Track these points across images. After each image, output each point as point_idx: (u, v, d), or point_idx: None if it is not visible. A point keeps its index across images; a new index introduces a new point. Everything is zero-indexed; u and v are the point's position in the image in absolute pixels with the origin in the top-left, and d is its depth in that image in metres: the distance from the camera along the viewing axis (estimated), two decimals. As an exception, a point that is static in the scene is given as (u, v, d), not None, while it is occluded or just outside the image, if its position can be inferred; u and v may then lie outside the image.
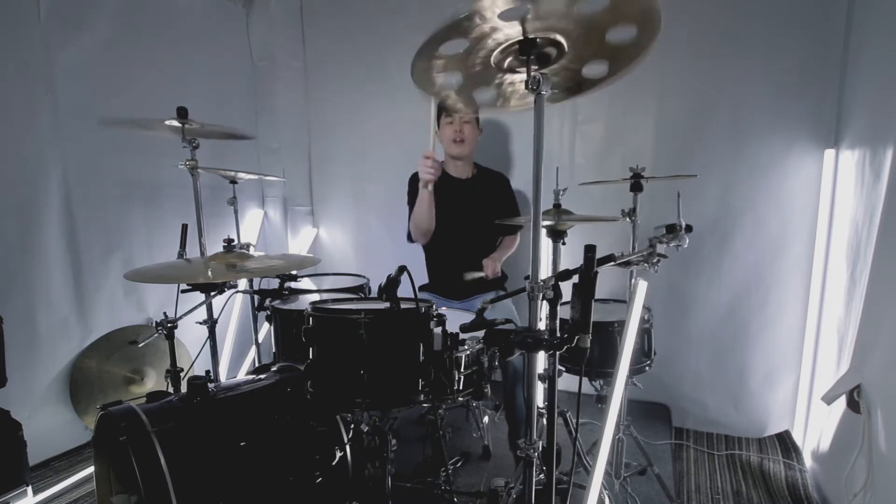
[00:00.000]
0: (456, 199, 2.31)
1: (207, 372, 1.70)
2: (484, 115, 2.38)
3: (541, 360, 1.11)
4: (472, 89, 1.11)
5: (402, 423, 2.37)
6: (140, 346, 2.27)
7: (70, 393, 2.24)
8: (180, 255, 1.90)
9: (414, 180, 2.43)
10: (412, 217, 2.24)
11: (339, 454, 1.45)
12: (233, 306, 2.83)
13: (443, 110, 2.21)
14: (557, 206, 1.65)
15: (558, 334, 1.00)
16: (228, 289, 1.83)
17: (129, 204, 2.46)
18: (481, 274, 2.17)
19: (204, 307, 1.87)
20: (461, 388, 1.30)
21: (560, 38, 0.91)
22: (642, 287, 1.57)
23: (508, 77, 1.05)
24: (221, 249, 1.58)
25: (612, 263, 1.11)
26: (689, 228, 1.31)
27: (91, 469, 1.87)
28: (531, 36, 0.90)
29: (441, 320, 1.26)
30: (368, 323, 1.22)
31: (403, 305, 1.22)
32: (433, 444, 1.93)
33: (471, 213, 2.30)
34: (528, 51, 0.93)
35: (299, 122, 3.15)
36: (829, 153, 2.10)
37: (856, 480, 1.51)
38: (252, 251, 1.68)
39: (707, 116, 2.30)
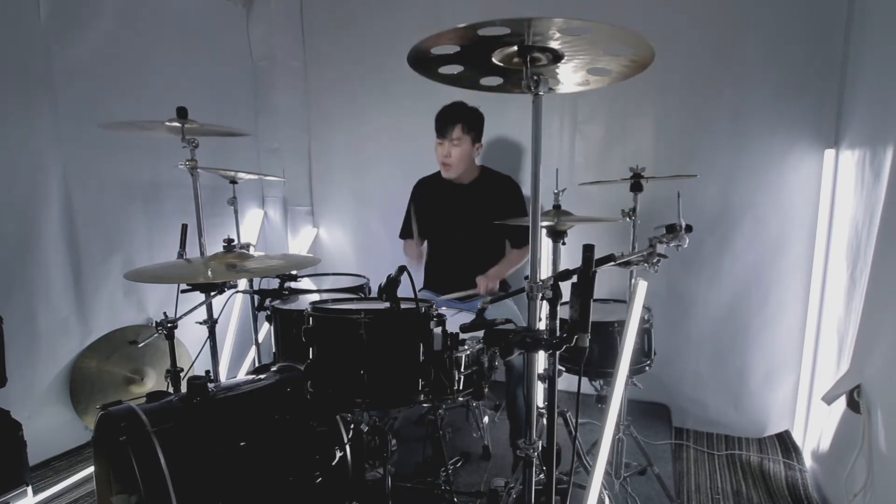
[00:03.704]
0: (454, 203, 2.31)
1: (207, 372, 1.70)
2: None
3: (541, 360, 1.11)
4: (476, 78, 1.11)
5: (402, 423, 2.36)
6: (140, 346, 2.26)
7: (70, 393, 2.24)
8: (180, 255, 1.90)
9: (415, 188, 2.48)
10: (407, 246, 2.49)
11: (339, 454, 1.45)
12: (233, 306, 2.83)
13: (435, 128, 2.21)
14: (557, 206, 1.65)
15: (558, 334, 1.00)
16: (228, 289, 1.83)
17: (129, 204, 2.46)
18: (473, 291, 2.13)
19: (204, 307, 1.87)
20: (461, 388, 1.30)
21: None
22: (642, 287, 1.57)
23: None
24: (221, 249, 1.57)
25: (612, 263, 1.11)
26: (689, 228, 1.31)
27: (91, 469, 1.87)
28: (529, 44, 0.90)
29: (441, 320, 1.27)
30: (368, 323, 1.22)
31: (403, 305, 1.22)
32: (433, 444, 1.93)
33: (469, 216, 2.28)
34: (525, 53, 0.93)
35: (299, 121, 3.15)
36: (829, 153, 2.10)
37: (856, 480, 1.51)
38: (252, 251, 1.68)
39: (707, 116, 2.30)
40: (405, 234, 2.50)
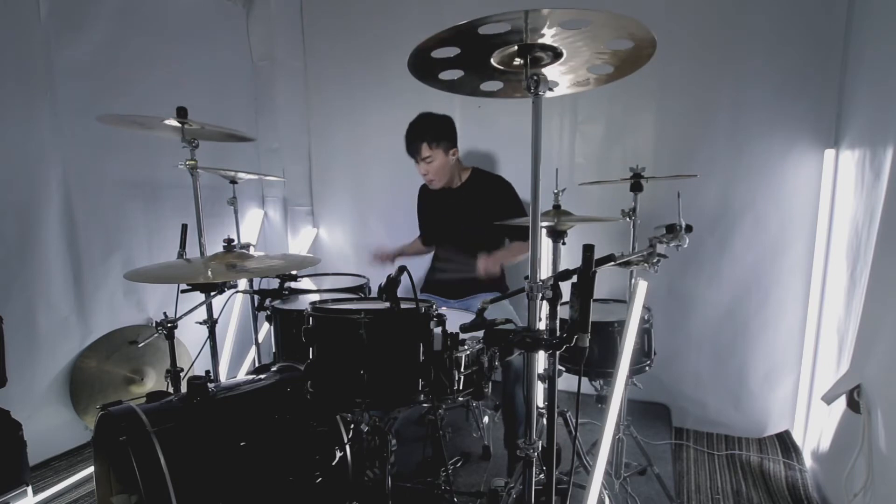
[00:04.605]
0: (446, 206, 2.33)
1: (207, 372, 1.70)
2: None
3: (540, 360, 1.11)
4: (477, 83, 1.11)
5: (402, 423, 2.37)
6: (140, 346, 2.27)
7: (70, 393, 2.24)
8: (180, 255, 1.90)
9: (418, 193, 2.52)
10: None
11: (339, 454, 1.45)
12: (233, 306, 2.83)
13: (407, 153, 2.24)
14: (557, 206, 1.65)
15: (558, 334, 0.99)
16: (228, 289, 1.83)
17: (129, 204, 2.46)
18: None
19: (204, 307, 1.87)
20: (461, 388, 1.29)
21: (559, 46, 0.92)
22: (642, 287, 1.57)
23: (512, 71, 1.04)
24: (221, 249, 1.57)
25: (612, 263, 1.11)
26: (689, 228, 1.30)
27: (91, 469, 1.86)
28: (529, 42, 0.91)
29: (441, 320, 1.26)
30: (368, 323, 1.22)
31: (403, 305, 1.22)
32: (433, 444, 1.93)
33: (461, 217, 2.30)
34: (525, 52, 0.93)
35: (299, 122, 3.15)
36: (829, 153, 2.10)
37: (856, 480, 1.51)
38: (252, 251, 1.68)
39: (707, 116, 2.30)
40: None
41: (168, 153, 2.04)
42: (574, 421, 1.49)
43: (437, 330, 1.26)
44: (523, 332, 1.01)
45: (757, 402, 2.39)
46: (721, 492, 2.02)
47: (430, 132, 2.17)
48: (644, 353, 1.81)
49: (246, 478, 1.31)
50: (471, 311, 1.90)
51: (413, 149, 2.19)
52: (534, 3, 0.79)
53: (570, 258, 1.30)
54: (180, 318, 1.79)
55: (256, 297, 1.98)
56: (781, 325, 2.30)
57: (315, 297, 1.99)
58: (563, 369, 1.44)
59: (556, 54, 0.94)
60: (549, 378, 1.11)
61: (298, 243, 3.26)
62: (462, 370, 1.28)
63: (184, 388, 1.74)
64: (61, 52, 2.13)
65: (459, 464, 2.11)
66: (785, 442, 2.34)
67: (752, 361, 2.37)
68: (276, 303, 1.94)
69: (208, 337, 1.95)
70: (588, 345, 0.95)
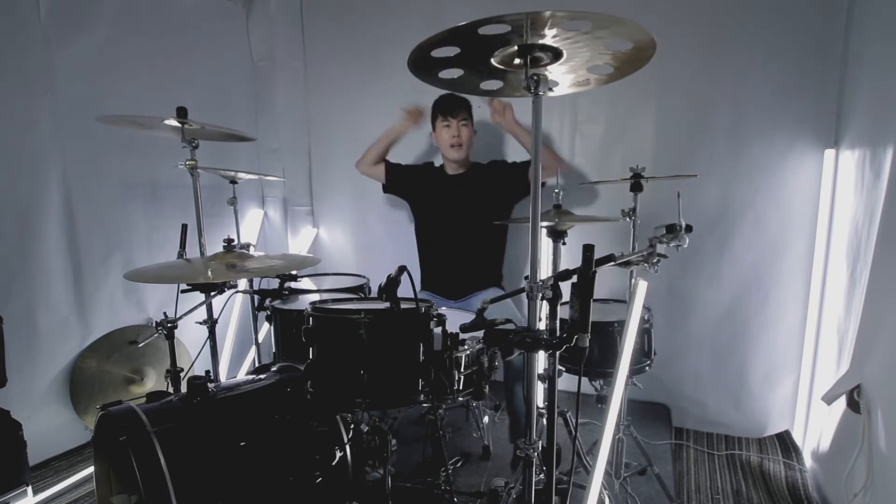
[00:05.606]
0: (448, 196, 2.33)
1: (207, 372, 1.70)
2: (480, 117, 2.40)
3: (541, 360, 1.11)
4: (476, 82, 1.11)
5: (402, 423, 2.37)
6: (140, 346, 2.26)
7: (70, 393, 2.24)
8: (180, 255, 1.90)
9: (408, 168, 2.51)
10: (371, 148, 2.52)
11: (339, 454, 1.45)
12: (233, 306, 2.83)
13: (438, 112, 2.21)
14: (557, 206, 1.65)
15: (558, 334, 1.00)
16: (228, 289, 1.83)
17: (129, 204, 2.46)
18: None
19: (204, 307, 1.87)
20: (461, 388, 1.29)
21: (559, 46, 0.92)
22: (642, 287, 1.57)
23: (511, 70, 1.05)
24: (221, 249, 1.58)
25: (612, 263, 1.11)
26: (689, 228, 1.30)
27: (91, 469, 1.86)
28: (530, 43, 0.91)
29: (441, 320, 1.27)
30: (368, 323, 1.22)
31: (403, 305, 1.22)
32: (433, 444, 1.93)
33: (463, 209, 2.29)
34: (525, 53, 0.93)
35: (299, 122, 3.15)
36: (829, 153, 2.10)
37: (856, 480, 1.51)
38: (252, 251, 1.68)
39: (707, 116, 2.30)
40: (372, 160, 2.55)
41: (168, 153, 2.04)
42: (574, 421, 1.49)
43: (437, 330, 1.26)
44: (523, 332, 1.01)
45: (757, 402, 2.39)
46: (721, 492, 2.02)
47: (468, 106, 2.24)
48: (644, 353, 1.81)
49: (246, 478, 1.31)
50: (471, 310, 1.90)
51: (455, 109, 2.20)
52: (534, 3, 0.79)
53: (570, 258, 1.30)
54: (180, 318, 1.79)
55: (256, 297, 1.98)
56: (781, 325, 2.30)
57: (315, 297, 1.99)
58: (563, 369, 1.45)
59: (556, 54, 0.94)
60: (549, 378, 1.11)
61: (298, 243, 3.26)
62: (462, 370, 1.28)
63: (184, 388, 1.74)
64: (61, 52, 2.13)
65: (459, 464, 2.11)
66: (785, 442, 2.34)
67: (752, 361, 2.37)
68: (276, 303, 1.94)
69: (208, 337, 1.95)
70: (588, 345, 0.95)
